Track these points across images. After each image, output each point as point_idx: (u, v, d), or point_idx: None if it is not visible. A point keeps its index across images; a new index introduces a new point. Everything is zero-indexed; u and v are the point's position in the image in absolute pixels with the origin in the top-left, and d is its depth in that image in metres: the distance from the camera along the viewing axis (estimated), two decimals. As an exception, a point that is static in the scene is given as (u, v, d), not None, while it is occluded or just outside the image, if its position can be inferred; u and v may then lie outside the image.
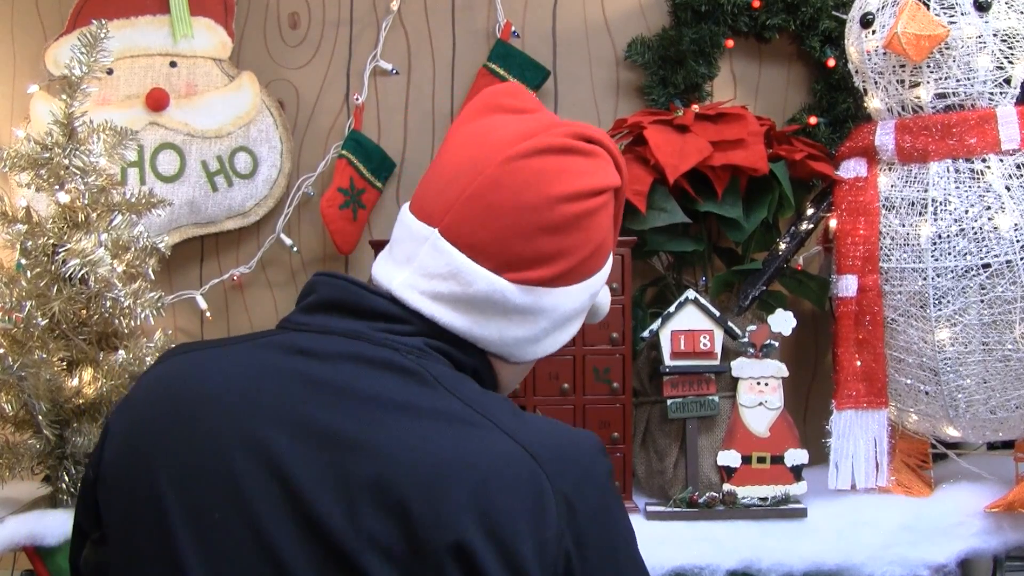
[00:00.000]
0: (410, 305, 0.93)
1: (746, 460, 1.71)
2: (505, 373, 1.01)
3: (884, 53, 1.71)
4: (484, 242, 0.92)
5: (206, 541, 0.85)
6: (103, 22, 1.63)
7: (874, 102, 1.79)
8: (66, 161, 1.60)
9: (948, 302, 1.65)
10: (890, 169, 1.76)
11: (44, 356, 1.55)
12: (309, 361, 0.89)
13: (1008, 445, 1.82)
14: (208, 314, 2.09)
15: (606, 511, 0.86)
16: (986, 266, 1.63)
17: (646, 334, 1.73)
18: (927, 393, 1.71)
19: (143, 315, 1.63)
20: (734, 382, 1.73)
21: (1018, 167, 1.66)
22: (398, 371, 0.88)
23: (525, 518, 0.79)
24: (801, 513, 1.68)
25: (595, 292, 1.01)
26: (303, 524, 0.81)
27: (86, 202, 1.61)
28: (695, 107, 1.89)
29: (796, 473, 1.71)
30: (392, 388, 0.86)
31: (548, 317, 0.97)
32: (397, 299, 0.94)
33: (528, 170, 0.93)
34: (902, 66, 1.70)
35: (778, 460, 1.71)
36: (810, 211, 1.87)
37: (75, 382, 1.60)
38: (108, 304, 1.61)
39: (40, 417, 1.56)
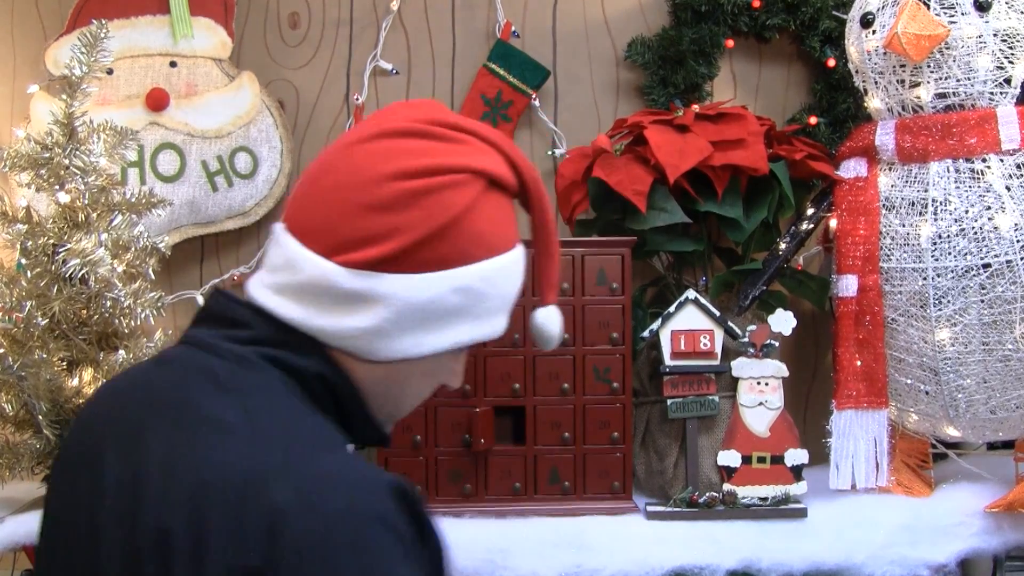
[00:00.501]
0: (256, 301, 0.92)
1: (746, 460, 1.71)
2: (364, 375, 0.93)
3: (884, 53, 1.71)
4: (314, 226, 0.90)
5: (55, 561, 0.89)
6: (103, 22, 1.63)
7: (874, 102, 1.79)
8: (66, 161, 1.60)
9: (948, 302, 1.65)
10: (890, 169, 1.76)
11: (44, 356, 1.55)
12: (160, 371, 0.92)
13: (1008, 445, 1.82)
14: (208, 314, 2.09)
15: (327, 550, 0.76)
16: (986, 266, 1.63)
17: (646, 334, 1.73)
18: (927, 393, 1.71)
19: (143, 315, 1.63)
20: (734, 382, 1.73)
21: (1018, 167, 1.66)
22: (210, 380, 0.87)
23: (224, 527, 0.77)
24: (801, 513, 1.68)
25: (465, 288, 0.91)
26: (94, 526, 0.84)
27: (86, 202, 1.61)
28: (695, 107, 1.89)
29: (796, 473, 1.71)
30: (196, 396, 0.86)
31: (390, 306, 0.89)
32: (250, 302, 0.93)
33: (362, 152, 0.91)
34: (902, 66, 1.70)
35: (778, 460, 1.71)
36: (810, 211, 1.86)
37: (75, 382, 1.61)
38: (108, 304, 1.61)
39: (40, 417, 1.56)
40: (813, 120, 2.04)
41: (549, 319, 1.01)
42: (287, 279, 0.91)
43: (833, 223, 1.80)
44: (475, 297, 0.92)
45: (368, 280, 0.88)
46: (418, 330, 0.91)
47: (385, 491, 0.80)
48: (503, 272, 0.94)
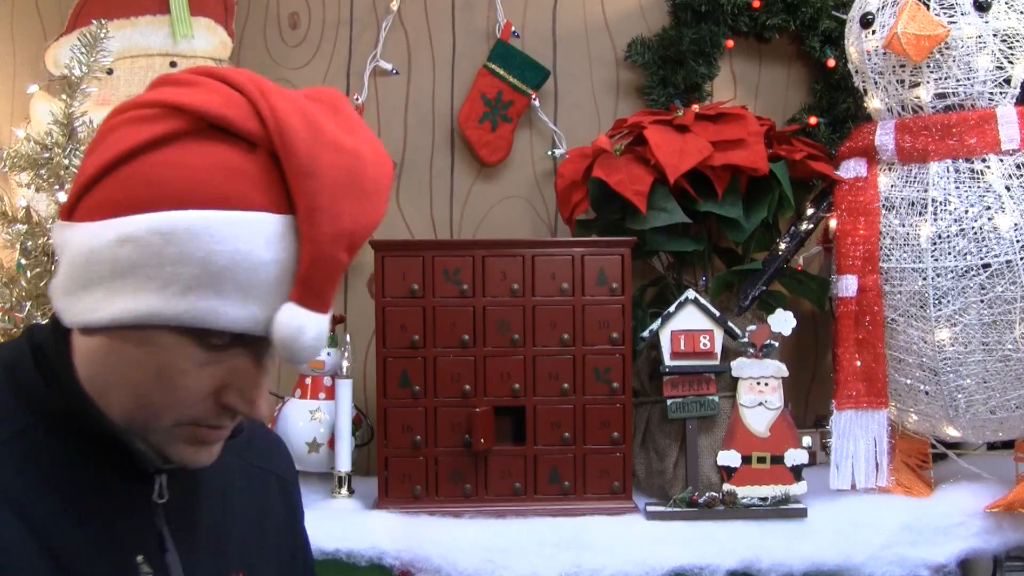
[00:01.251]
0: None
1: (746, 460, 1.71)
2: (76, 350, 0.82)
3: (884, 53, 1.71)
4: None
5: None
6: (103, 22, 1.63)
7: (874, 102, 1.79)
8: (66, 161, 1.60)
9: (948, 302, 1.65)
10: (890, 169, 1.76)
11: (44, 356, 1.55)
12: None
13: (1008, 445, 1.82)
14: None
15: None
16: (986, 266, 1.63)
17: (646, 334, 1.73)
18: (927, 393, 1.71)
19: (143, 315, 1.63)
20: (734, 382, 1.73)
21: (1018, 167, 1.66)
22: None
23: None
24: (801, 513, 1.68)
25: (131, 239, 0.75)
26: None
27: (86, 202, 1.61)
28: (695, 107, 1.89)
29: (796, 473, 1.71)
30: None
31: (66, 257, 0.78)
32: None
33: None
34: (902, 66, 1.70)
35: (778, 460, 1.71)
36: (810, 211, 1.87)
37: (75, 382, 1.60)
38: (108, 304, 1.61)
39: (40, 417, 1.56)
40: (813, 120, 2.04)
41: (281, 322, 0.75)
42: None
43: (833, 223, 1.80)
44: (150, 256, 0.74)
45: (58, 232, 0.81)
46: (95, 289, 0.77)
47: None
48: (200, 233, 0.74)
